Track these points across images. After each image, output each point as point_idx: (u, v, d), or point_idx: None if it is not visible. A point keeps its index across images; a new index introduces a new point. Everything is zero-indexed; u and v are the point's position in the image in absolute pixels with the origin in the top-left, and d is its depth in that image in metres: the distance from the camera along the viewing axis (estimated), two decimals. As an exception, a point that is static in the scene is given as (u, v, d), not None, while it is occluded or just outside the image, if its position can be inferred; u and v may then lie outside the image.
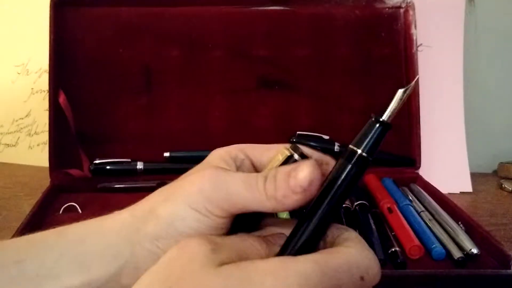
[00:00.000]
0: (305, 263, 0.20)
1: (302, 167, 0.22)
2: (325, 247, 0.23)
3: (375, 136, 0.24)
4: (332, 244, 0.23)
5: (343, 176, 0.24)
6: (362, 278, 0.21)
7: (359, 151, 0.24)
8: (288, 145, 0.26)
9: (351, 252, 0.21)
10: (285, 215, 0.53)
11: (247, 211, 0.24)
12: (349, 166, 0.24)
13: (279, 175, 0.23)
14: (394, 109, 0.24)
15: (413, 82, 0.25)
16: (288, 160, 0.25)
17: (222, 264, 0.20)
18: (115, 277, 0.24)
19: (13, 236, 0.47)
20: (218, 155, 0.26)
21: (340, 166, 0.24)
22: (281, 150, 0.26)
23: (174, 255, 0.21)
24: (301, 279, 0.19)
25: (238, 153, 0.27)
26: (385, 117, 0.24)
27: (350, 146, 0.24)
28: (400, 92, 0.24)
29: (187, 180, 0.25)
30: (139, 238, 0.24)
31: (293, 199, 0.22)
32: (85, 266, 0.24)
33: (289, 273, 0.19)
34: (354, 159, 0.24)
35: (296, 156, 0.25)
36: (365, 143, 0.24)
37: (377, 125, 0.24)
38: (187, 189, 0.24)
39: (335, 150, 0.66)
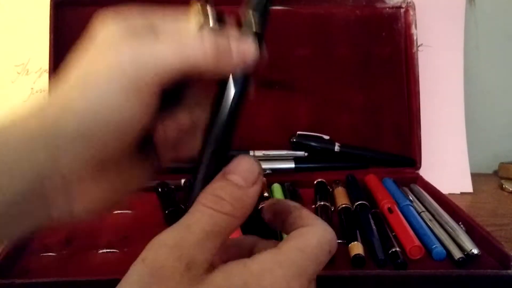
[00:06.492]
0: (293, 253, 0.21)
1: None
2: (286, 227, 0.24)
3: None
4: (294, 224, 0.23)
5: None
6: (329, 252, 0.22)
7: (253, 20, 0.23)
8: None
9: (318, 231, 0.23)
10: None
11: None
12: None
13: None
14: None
15: None
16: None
17: (205, 274, 0.19)
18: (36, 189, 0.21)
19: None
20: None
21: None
22: (193, 7, 0.24)
23: (145, 280, 0.19)
24: (296, 269, 0.21)
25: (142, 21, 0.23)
26: None
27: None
28: None
29: None
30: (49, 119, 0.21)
31: (231, 61, 0.22)
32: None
33: (284, 270, 0.20)
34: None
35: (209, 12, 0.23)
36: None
37: None
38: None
39: (335, 150, 0.66)
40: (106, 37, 0.22)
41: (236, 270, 0.20)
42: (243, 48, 0.23)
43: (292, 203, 0.25)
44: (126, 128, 0.22)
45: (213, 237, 0.20)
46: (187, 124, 0.25)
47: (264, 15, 0.24)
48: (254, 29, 0.24)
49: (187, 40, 0.22)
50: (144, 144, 0.24)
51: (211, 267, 0.20)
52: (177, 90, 0.24)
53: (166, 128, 0.25)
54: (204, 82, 0.25)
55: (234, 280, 0.19)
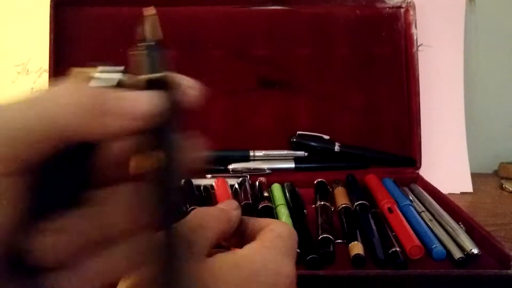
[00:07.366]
0: (275, 238, 0.23)
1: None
2: (246, 237, 0.24)
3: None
4: (256, 229, 0.24)
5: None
6: (297, 241, 0.24)
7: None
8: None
9: (284, 224, 0.25)
10: (284, 217, 0.53)
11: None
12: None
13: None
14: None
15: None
16: None
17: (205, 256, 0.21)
18: None
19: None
20: None
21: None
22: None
23: None
24: (281, 250, 0.22)
25: None
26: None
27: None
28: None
29: None
30: None
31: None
32: None
33: (273, 251, 0.22)
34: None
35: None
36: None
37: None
38: None
39: (335, 150, 0.66)
40: None
41: (226, 255, 0.21)
42: (133, 101, 0.18)
43: (242, 217, 0.25)
44: None
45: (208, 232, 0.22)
46: (89, 228, 0.17)
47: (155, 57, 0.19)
48: (148, 76, 0.19)
49: (49, 95, 0.16)
50: (16, 268, 0.15)
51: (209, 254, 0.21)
52: (66, 164, 0.17)
53: (50, 236, 0.16)
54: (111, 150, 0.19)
55: (226, 262, 0.21)
